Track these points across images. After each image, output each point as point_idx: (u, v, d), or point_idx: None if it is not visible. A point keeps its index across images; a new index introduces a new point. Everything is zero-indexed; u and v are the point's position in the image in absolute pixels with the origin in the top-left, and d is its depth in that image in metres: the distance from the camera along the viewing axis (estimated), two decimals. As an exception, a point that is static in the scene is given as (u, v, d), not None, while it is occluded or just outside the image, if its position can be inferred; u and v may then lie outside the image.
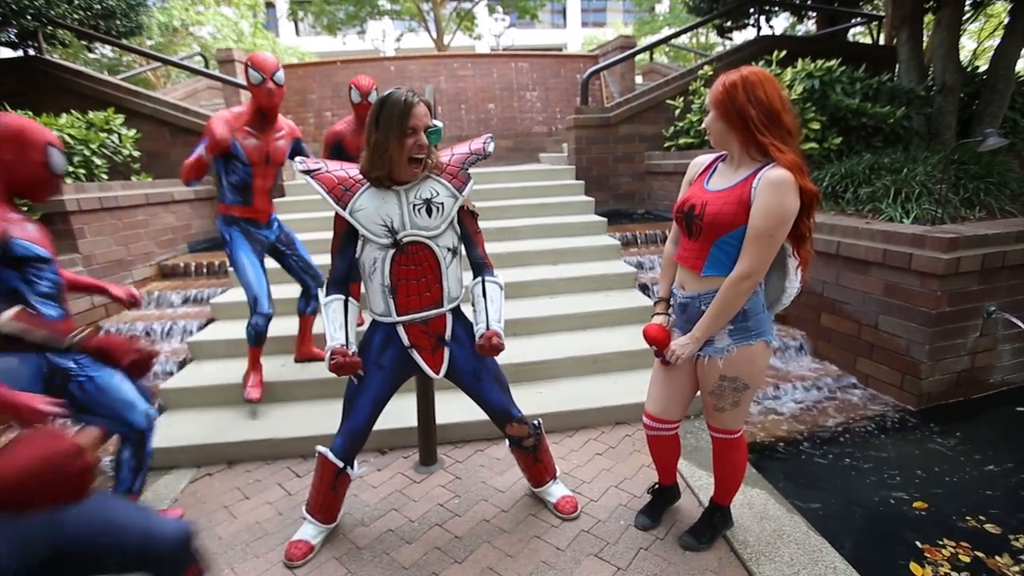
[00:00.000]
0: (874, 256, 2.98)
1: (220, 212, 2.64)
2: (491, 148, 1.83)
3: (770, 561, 1.76)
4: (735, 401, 1.63)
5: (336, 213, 1.68)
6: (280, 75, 2.46)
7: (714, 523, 1.88)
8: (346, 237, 1.70)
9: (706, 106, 1.52)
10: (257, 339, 2.68)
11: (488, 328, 1.72)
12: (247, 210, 2.62)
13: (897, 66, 5.08)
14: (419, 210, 1.66)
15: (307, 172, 1.68)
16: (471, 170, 1.79)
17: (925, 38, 6.01)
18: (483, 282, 1.81)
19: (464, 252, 1.85)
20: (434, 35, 14.32)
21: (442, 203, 1.69)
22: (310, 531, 1.90)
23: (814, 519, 2.00)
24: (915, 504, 2.18)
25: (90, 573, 1.05)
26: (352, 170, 1.70)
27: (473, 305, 1.82)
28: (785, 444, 2.68)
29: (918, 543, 1.95)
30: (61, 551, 0.99)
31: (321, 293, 1.76)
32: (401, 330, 1.76)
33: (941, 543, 1.94)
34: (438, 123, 1.64)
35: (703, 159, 1.67)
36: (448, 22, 14.67)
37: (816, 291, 3.45)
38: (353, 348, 1.70)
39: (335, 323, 1.69)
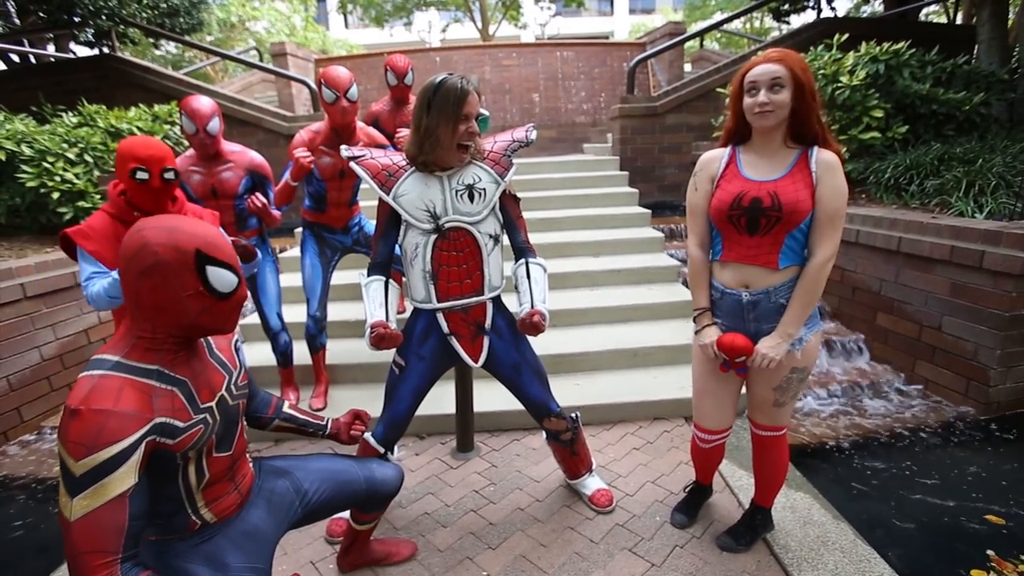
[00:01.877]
0: (940, 253, 2.78)
1: (301, 215, 2.77)
2: (533, 136, 1.82)
3: (812, 568, 1.70)
4: (795, 393, 1.60)
5: (380, 199, 1.72)
6: (354, 91, 2.40)
7: (754, 525, 1.82)
8: (389, 222, 1.73)
9: (776, 80, 1.38)
10: (310, 343, 2.74)
11: (532, 307, 1.72)
12: (321, 216, 2.69)
13: (976, 47, 4.70)
14: (461, 196, 1.67)
15: (352, 158, 1.71)
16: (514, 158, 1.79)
17: (1011, 17, 5.51)
18: (527, 264, 1.80)
19: (507, 239, 1.85)
20: (479, 25, 14.32)
21: (484, 189, 1.69)
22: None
23: (862, 527, 1.91)
24: (988, 517, 2.04)
25: (332, 514, 1.45)
26: (396, 157, 1.73)
27: (517, 287, 1.81)
28: (833, 448, 2.56)
29: (991, 552, 1.85)
30: (309, 510, 1.34)
31: (363, 278, 1.79)
32: (441, 317, 1.77)
33: (1021, 558, 1.82)
34: (484, 111, 1.63)
35: (715, 153, 1.57)
36: (493, 12, 14.63)
37: (873, 289, 3.26)
38: (393, 324, 1.70)
39: (375, 301, 1.71)
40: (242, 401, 1.19)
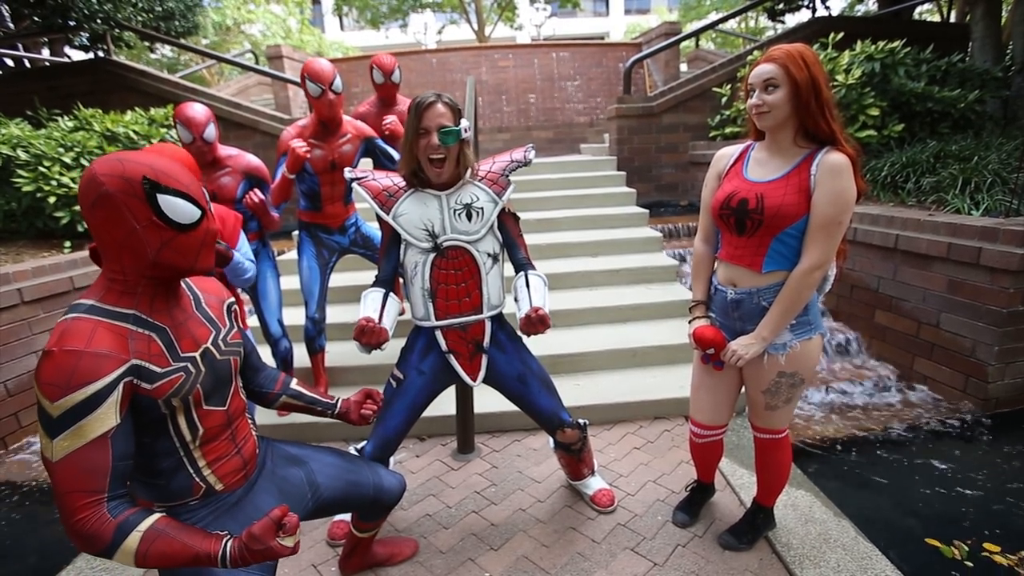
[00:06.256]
0: (937, 250, 2.79)
1: (297, 217, 2.75)
2: (532, 156, 1.84)
3: (814, 565, 1.70)
4: (788, 398, 1.57)
5: (381, 219, 1.74)
6: (338, 83, 2.42)
7: (756, 524, 1.83)
8: (391, 241, 1.76)
9: (770, 80, 1.36)
10: (309, 345, 2.74)
11: (532, 304, 1.69)
12: (317, 216, 2.67)
13: (970, 45, 4.72)
14: (459, 215, 1.69)
15: (354, 180, 1.75)
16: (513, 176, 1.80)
17: (1004, 15, 5.55)
18: (526, 274, 1.80)
19: (507, 256, 1.85)
20: (475, 27, 14.33)
21: (482, 208, 1.71)
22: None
23: (863, 524, 1.91)
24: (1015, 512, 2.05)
25: (337, 513, 1.48)
26: (397, 179, 1.76)
27: (516, 297, 1.81)
28: (834, 446, 2.57)
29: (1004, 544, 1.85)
30: (320, 504, 1.35)
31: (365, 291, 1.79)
32: (439, 335, 1.78)
33: None
34: (453, 126, 1.59)
35: (729, 150, 1.58)
36: (489, 13, 14.63)
37: (871, 287, 3.27)
38: (385, 327, 1.68)
39: (370, 306, 1.71)
40: (234, 358, 1.15)
